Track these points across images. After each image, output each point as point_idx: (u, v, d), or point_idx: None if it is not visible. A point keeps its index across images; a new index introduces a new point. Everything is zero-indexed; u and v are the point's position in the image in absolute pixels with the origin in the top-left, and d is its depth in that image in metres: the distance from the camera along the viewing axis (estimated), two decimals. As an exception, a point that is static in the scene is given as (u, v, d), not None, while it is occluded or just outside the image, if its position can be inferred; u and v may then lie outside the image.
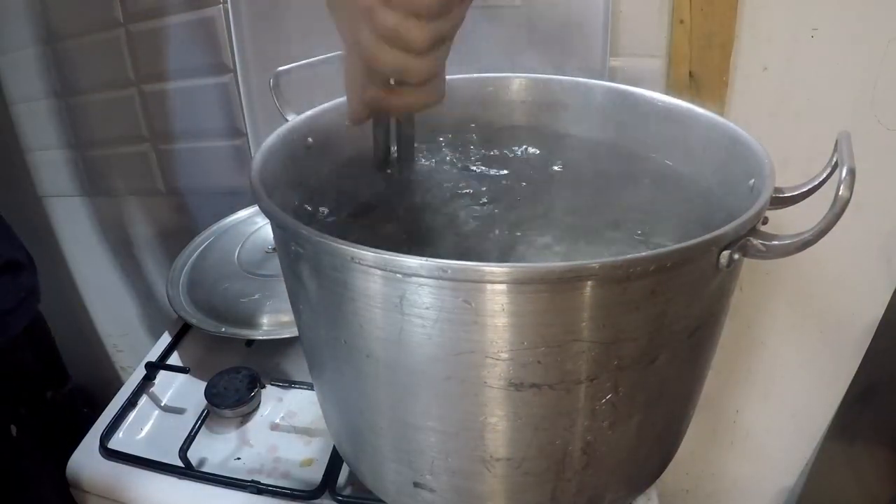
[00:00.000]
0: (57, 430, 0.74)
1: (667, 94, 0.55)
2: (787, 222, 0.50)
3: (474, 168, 0.57)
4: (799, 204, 0.42)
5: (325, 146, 0.55)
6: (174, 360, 0.77)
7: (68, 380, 0.83)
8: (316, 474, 0.61)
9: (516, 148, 0.61)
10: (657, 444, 0.48)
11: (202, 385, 0.69)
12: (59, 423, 0.76)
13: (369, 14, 0.36)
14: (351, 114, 0.45)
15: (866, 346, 0.86)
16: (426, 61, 0.39)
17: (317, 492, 0.58)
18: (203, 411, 0.67)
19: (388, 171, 0.54)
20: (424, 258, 0.32)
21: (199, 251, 0.87)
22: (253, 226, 0.89)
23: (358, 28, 0.38)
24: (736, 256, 0.35)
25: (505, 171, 0.57)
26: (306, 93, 0.56)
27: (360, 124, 0.46)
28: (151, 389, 0.72)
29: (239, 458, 0.64)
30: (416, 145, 0.55)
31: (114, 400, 0.70)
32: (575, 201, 0.52)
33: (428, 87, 0.42)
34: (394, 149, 0.54)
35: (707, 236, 0.34)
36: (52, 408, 0.77)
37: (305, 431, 0.67)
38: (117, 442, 0.65)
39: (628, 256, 0.32)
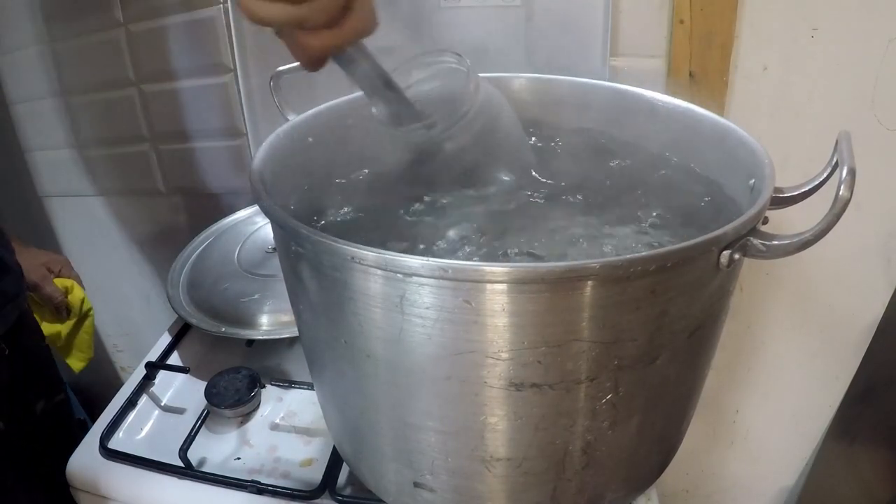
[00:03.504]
0: (45, 441, 0.72)
1: (667, 94, 0.55)
2: (787, 222, 0.50)
3: (473, 168, 0.57)
4: (799, 204, 0.43)
5: (325, 145, 0.55)
6: (174, 360, 0.77)
7: (61, 388, 0.80)
8: (316, 474, 0.61)
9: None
10: (657, 444, 0.48)
11: (202, 385, 0.69)
12: (48, 435, 0.74)
13: None
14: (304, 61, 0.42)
15: (866, 346, 0.86)
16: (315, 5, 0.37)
17: (317, 492, 0.58)
18: (203, 411, 0.67)
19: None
20: (425, 258, 0.32)
21: (199, 251, 0.87)
22: (253, 226, 0.89)
23: None
24: (736, 256, 0.35)
25: (504, 171, 0.57)
26: (306, 93, 0.56)
27: (318, 67, 0.42)
28: (151, 389, 0.72)
29: (239, 458, 0.64)
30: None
31: (114, 400, 0.70)
32: (573, 201, 0.52)
33: (352, 20, 0.39)
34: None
35: (707, 236, 0.34)
36: (42, 419, 0.74)
37: (305, 431, 0.67)
38: (117, 442, 0.65)
39: (628, 256, 0.32)
